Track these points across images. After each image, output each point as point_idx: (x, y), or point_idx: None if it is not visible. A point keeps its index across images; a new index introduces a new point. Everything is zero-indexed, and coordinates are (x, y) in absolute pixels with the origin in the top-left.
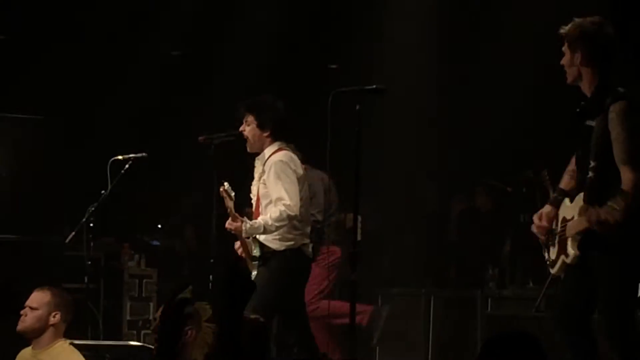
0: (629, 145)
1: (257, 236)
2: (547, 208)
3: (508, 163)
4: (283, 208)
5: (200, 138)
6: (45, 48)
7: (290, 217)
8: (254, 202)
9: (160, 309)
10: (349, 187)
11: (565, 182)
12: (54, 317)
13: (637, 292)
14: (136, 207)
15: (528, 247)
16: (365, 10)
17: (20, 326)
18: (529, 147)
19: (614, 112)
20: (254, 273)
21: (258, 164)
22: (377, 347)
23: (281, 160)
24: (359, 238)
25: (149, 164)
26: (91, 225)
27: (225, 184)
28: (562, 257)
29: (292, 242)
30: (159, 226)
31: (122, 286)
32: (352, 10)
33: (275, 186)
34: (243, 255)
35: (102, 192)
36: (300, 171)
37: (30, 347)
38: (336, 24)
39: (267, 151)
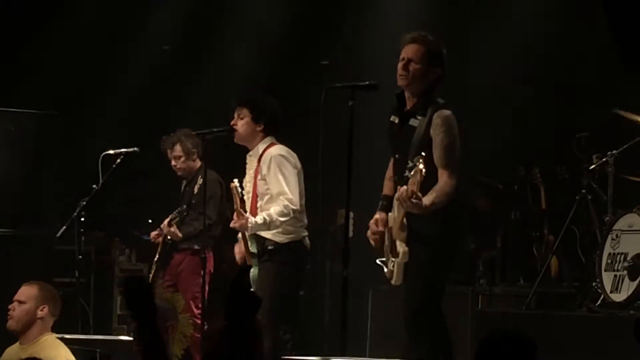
0: (450, 152)
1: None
2: (378, 214)
3: (499, 160)
4: (286, 202)
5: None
6: (40, 42)
7: (293, 211)
8: (246, 199)
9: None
10: (341, 184)
11: (389, 188)
12: (41, 310)
13: (442, 284)
14: (127, 202)
15: (519, 244)
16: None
17: (9, 321)
18: (520, 145)
19: (438, 118)
20: (254, 270)
21: (251, 160)
22: (368, 344)
23: (280, 154)
24: (350, 234)
25: (141, 159)
26: (82, 219)
27: (235, 180)
28: (395, 260)
29: (294, 235)
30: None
31: (113, 281)
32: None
33: (277, 180)
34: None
35: (94, 186)
36: (299, 164)
37: (17, 344)
38: (328, 19)
39: (260, 146)
